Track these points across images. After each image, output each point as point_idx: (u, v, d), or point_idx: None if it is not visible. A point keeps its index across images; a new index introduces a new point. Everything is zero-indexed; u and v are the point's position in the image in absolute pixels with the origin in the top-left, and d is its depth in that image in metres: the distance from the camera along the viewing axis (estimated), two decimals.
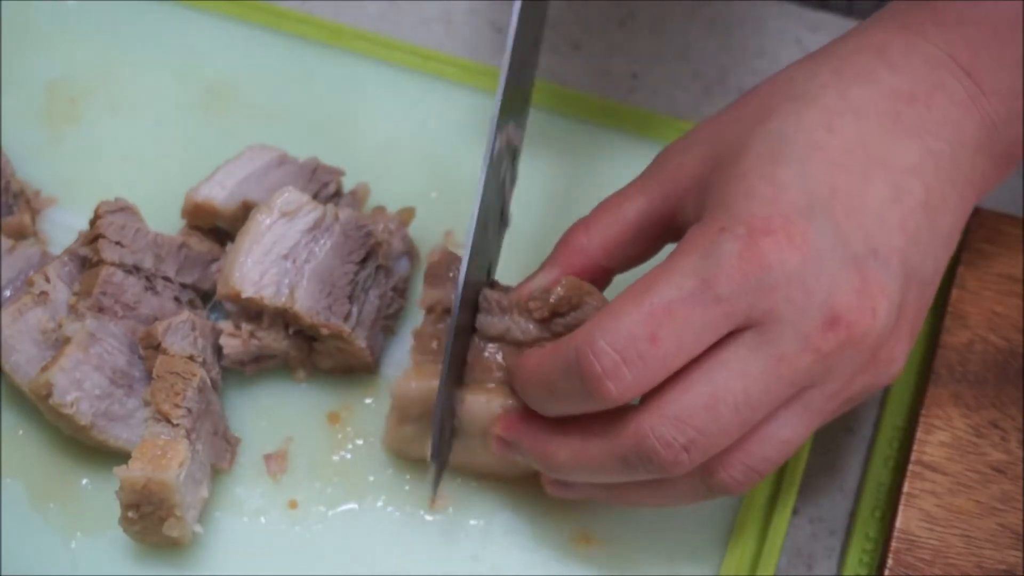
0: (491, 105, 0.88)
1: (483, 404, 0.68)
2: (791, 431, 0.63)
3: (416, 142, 0.86)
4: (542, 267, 0.70)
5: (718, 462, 0.63)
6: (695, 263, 0.60)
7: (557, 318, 0.69)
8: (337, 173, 0.81)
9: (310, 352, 0.77)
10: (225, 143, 0.82)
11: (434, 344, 0.71)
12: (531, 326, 0.69)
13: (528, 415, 0.67)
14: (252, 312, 0.75)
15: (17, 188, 0.81)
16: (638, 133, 0.86)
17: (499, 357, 0.69)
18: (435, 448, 0.68)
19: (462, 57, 0.90)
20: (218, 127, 0.87)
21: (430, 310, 0.72)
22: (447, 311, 0.72)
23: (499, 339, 0.69)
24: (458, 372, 0.69)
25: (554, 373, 0.63)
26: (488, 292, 0.70)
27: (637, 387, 0.61)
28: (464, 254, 0.66)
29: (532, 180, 0.83)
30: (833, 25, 0.92)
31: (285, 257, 0.75)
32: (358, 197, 0.82)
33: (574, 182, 0.84)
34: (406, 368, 0.71)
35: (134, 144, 0.86)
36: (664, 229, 0.68)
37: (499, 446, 0.68)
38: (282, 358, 0.77)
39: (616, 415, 0.63)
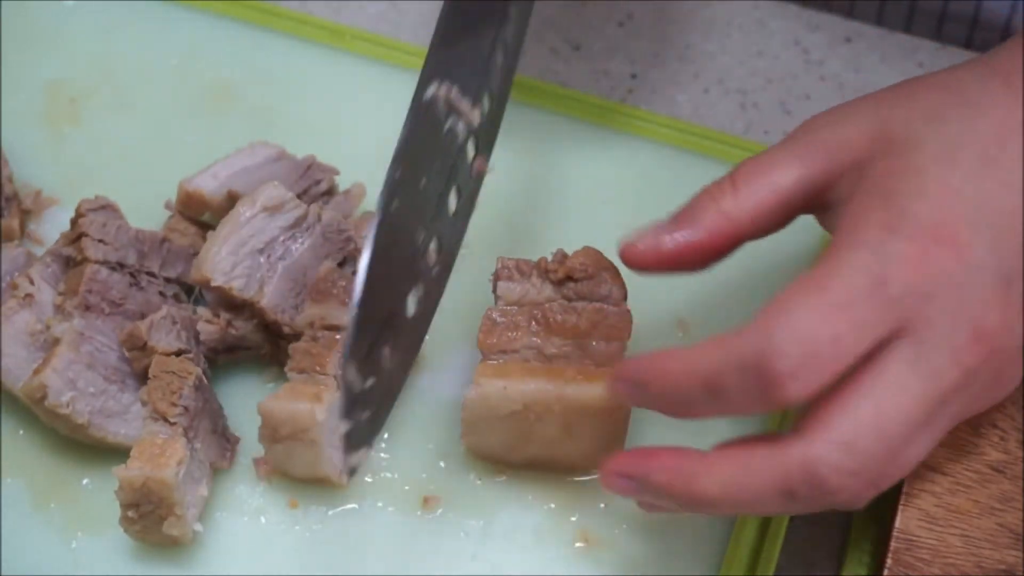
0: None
1: (500, 389, 0.69)
2: (922, 449, 0.61)
3: None
4: (677, 222, 0.66)
5: None
6: (867, 260, 0.58)
7: (570, 282, 0.69)
8: (331, 171, 0.82)
9: (277, 352, 0.77)
10: (225, 143, 0.82)
11: (308, 363, 0.72)
12: (547, 287, 0.70)
13: (653, 449, 0.64)
14: (231, 302, 0.75)
15: (10, 192, 0.81)
16: (638, 133, 0.86)
17: (511, 333, 0.70)
18: (346, 408, 0.61)
19: None
20: (218, 127, 0.87)
21: (309, 326, 0.73)
22: (327, 328, 0.72)
23: (517, 303, 0.70)
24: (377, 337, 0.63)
25: (720, 372, 0.59)
26: (506, 259, 0.70)
27: (814, 389, 0.58)
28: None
29: (530, 180, 0.83)
30: (832, 25, 0.92)
31: (260, 251, 0.75)
32: (352, 197, 0.82)
33: (573, 182, 0.84)
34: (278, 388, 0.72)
35: (134, 144, 0.86)
36: (812, 201, 0.65)
37: (619, 484, 0.65)
38: (256, 351, 0.77)
39: (774, 441, 0.60)
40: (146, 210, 0.81)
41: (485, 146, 0.69)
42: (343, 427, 0.61)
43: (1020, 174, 0.61)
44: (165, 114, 0.87)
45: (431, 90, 0.65)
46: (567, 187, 0.84)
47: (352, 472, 0.63)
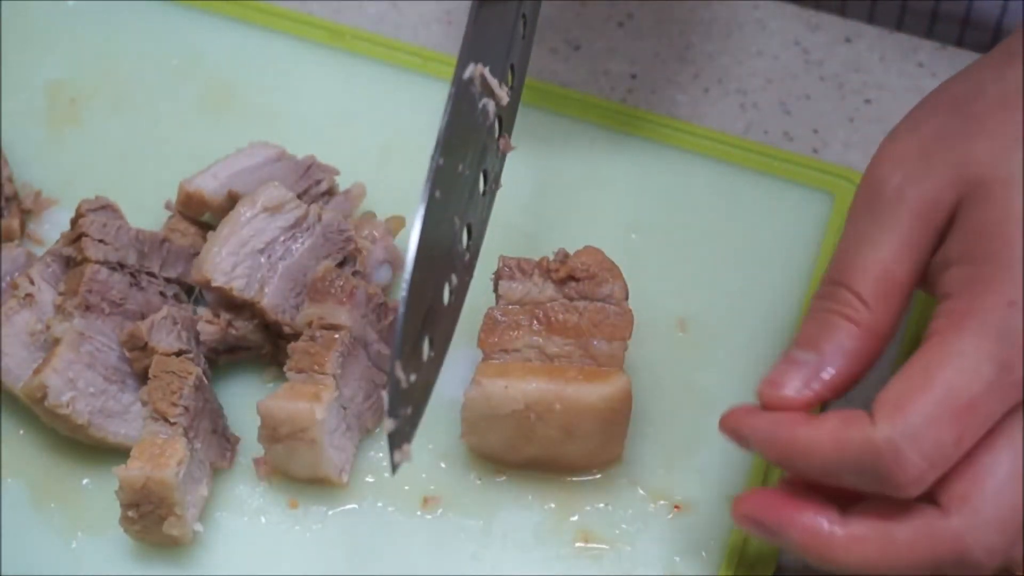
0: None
1: (501, 388, 0.69)
2: None
3: (416, 143, 0.86)
4: (824, 355, 0.61)
5: None
6: (990, 346, 0.56)
7: (571, 281, 0.69)
8: (331, 172, 0.82)
9: (277, 352, 0.77)
10: (225, 143, 0.82)
11: (307, 362, 0.72)
12: (549, 286, 0.70)
13: (791, 497, 0.61)
14: (232, 302, 0.75)
15: (11, 192, 0.81)
16: (638, 133, 0.86)
17: (512, 332, 0.70)
18: (393, 406, 0.60)
19: None
20: (218, 127, 0.87)
21: (308, 325, 0.73)
22: (325, 327, 0.72)
23: (519, 303, 0.70)
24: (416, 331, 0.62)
25: (839, 466, 0.58)
26: (507, 258, 0.71)
27: (934, 480, 0.57)
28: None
29: (531, 181, 0.83)
30: (832, 25, 0.92)
31: (261, 252, 0.75)
32: (352, 197, 0.82)
33: (573, 183, 0.84)
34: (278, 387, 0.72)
35: (134, 144, 0.86)
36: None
37: (749, 527, 0.63)
38: (256, 351, 0.77)
39: (924, 519, 0.58)
40: (146, 210, 0.81)
41: (508, 124, 0.69)
42: (389, 425, 0.60)
43: None
44: (165, 114, 0.87)
45: (469, 70, 0.65)
46: (567, 187, 0.84)
47: (395, 469, 0.61)
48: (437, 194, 0.62)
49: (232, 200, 0.78)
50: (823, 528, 0.60)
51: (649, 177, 0.84)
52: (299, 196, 0.79)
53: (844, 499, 0.60)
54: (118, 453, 0.73)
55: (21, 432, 0.76)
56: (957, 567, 0.58)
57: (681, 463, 0.74)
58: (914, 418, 0.56)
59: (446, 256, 0.64)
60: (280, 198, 0.76)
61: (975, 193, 0.59)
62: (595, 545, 0.72)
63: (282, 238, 0.76)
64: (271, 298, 0.75)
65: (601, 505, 0.73)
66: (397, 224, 0.81)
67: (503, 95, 0.67)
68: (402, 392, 0.60)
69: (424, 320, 0.62)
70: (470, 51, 0.65)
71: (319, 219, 0.77)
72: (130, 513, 0.70)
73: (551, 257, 0.72)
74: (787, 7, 0.93)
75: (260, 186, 0.77)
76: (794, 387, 0.61)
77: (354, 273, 0.77)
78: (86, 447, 0.74)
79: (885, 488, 0.57)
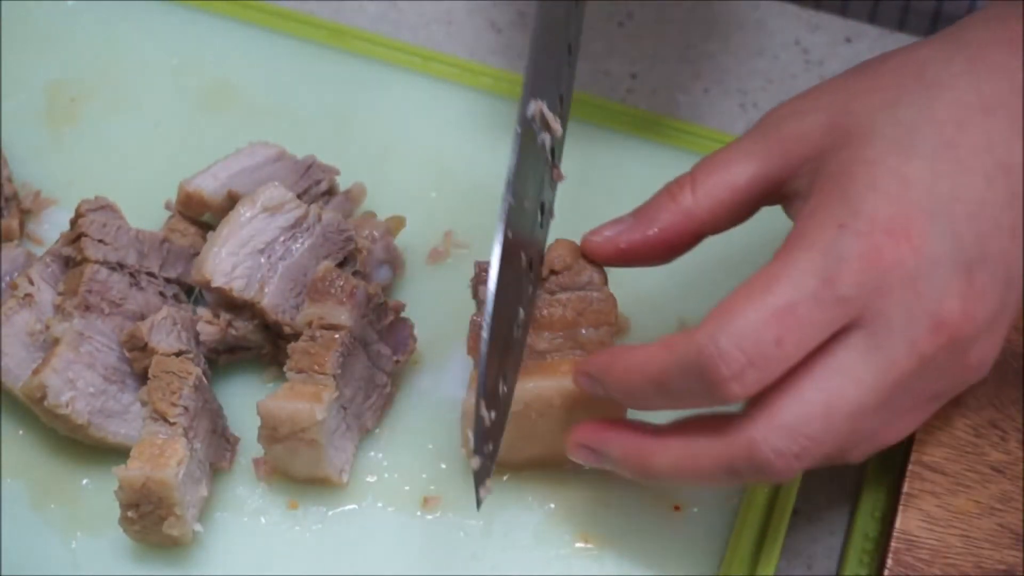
0: (491, 106, 0.88)
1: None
2: (880, 424, 0.63)
3: (416, 143, 0.86)
4: (636, 219, 0.68)
5: None
6: (815, 261, 0.59)
7: (551, 275, 0.70)
8: (331, 172, 0.82)
9: (277, 352, 0.77)
10: (225, 143, 0.83)
11: (306, 362, 0.72)
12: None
13: (614, 422, 0.66)
14: (232, 302, 0.75)
15: (10, 192, 0.81)
16: (638, 133, 0.86)
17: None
18: (478, 444, 0.64)
19: (462, 58, 0.90)
20: (218, 127, 0.87)
21: (308, 326, 0.73)
22: (325, 328, 0.72)
23: None
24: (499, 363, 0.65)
25: (668, 373, 0.61)
26: (483, 262, 0.71)
27: (758, 388, 0.59)
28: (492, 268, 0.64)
29: None
30: (832, 25, 0.92)
31: (261, 252, 0.76)
32: (353, 197, 0.82)
33: (573, 183, 0.84)
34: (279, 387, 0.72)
35: (134, 144, 0.86)
36: (771, 195, 0.66)
37: (582, 454, 0.67)
38: (256, 351, 0.77)
39: (723, 423, 0.62)
40: (146, 210, 0.81)
41: (558, 154, 0.71)
42: (475, 463, 0.63)
43: (981, 156, 0.61)
44: (165, 114, 0.87)
45: (531, 108, 0.66)
46: (566, 187, 0.84)
47: (480, 504, 0.65)
48: (510, 234, 0.64)
49: (232, 200, 0.78)
50: (639, 443, 0.65)
51: (649, 177, 0.84)
52: (299, 196, 0.79)
53: None
54: (118, 453, 0.73)
55: (21, 432, 0.76)
56: (750, 469, 0.61)
57: None
58: (733, 317, 0.59)
59: (516, 293, 0.67)
60: (280, 198, 0.76)
61: (840, 140, 0.62)
62: (595, 545, 0.72)
63: (282, 238, 0.76)
64: (271, 298, 0.75)
65: (601, 505, 0.73)
66: (397, 224, 0.81)
67: (558, 128, 0.69)
68: (485, 430, 0.63)
69: (502, 357, 0.65)
70: (532, 87, 0.67)
71: (319, 219, 0.77)
72: (130, 513, 0.70)
73: None
74: (787, 7, 0.93)
75: (260, 186, 0.77)
76: (604, 235, 0.68)
77: (354, 273, 0.77)
78: (86, 447, 0.74)
79: (712, 390, 0.59)
